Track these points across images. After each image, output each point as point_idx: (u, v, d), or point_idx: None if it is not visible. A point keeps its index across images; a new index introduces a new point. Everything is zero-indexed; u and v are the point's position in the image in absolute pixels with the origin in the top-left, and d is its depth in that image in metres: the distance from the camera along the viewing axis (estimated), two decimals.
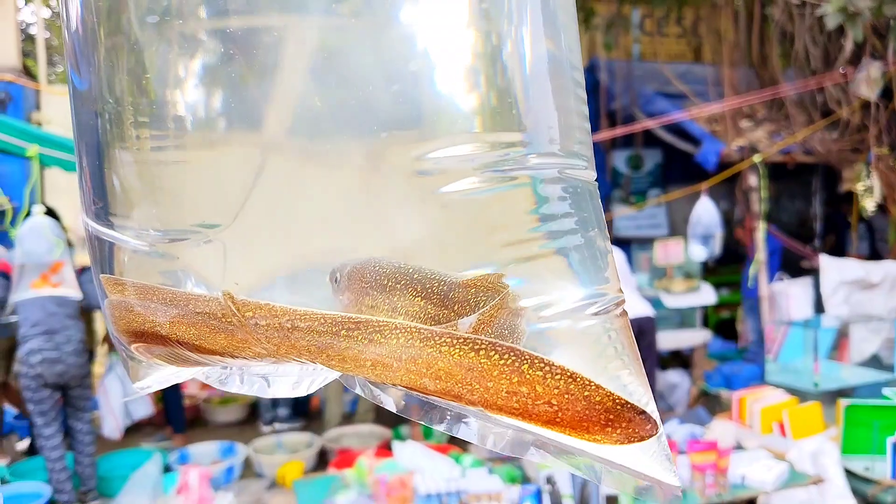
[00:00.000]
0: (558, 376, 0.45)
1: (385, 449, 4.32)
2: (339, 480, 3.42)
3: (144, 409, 5.18)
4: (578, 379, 0.45)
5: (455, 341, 0.47)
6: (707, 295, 5.99)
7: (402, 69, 0.50)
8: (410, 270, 0.50)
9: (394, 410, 0.56)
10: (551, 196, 0.52)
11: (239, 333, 0.53)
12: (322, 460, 4.74)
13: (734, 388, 5.01)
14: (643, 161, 7.85)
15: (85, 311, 4.00)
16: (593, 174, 0.57)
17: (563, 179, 0.53)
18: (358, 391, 0.57)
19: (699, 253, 5.78)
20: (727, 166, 5.77)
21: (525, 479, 3.27)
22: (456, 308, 0.49)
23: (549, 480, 3.06)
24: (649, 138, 7.17)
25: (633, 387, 0.50)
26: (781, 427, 3.96)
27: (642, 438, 0.45)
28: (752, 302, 6.09)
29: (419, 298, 0.50)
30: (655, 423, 0.46)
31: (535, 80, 0.52)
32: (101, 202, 0.59)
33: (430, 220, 0.50)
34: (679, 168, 7.36)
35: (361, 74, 0.50)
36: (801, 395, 4.36)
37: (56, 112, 6.46)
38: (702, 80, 6.90)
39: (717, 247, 5.75)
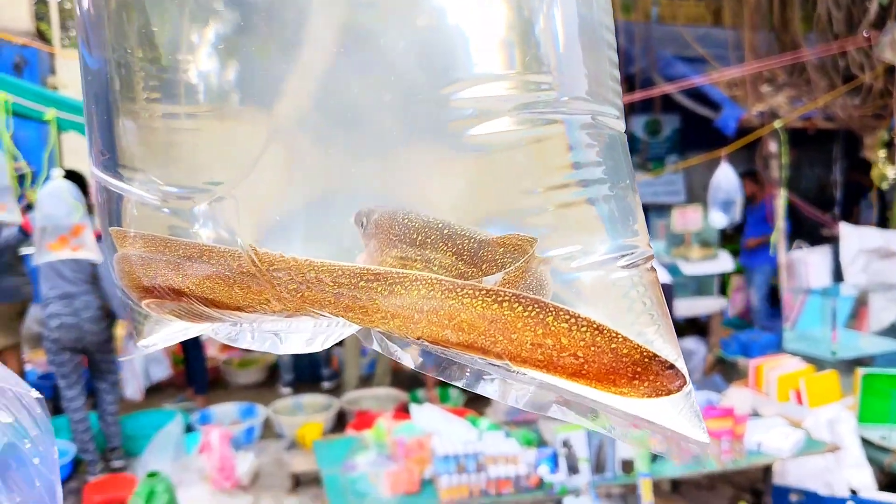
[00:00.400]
0: (584, 328, 0.45)
1: (402, 411, 4.36)
2: (359, 441, 3.46)
3: (162, 372, 5.27)
4: (605, 331, 0.45)
5: (478, 293, 0.46)
6: (724, 262, 5.97)
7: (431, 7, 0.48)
8: (440, 225, 0.49)
9: (412, 367, 0.55)
10: (584, 143, 0.51)
11: (255, 286, 0.52)
12: (340, 422, 4.80)
13: (751, 356, 4.99)
14: (661, 126, 7.74)
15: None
16: (624, 125, 0.55)
17: (596, 126, 0.52)
18: (375, 347, 0.56)
19: (720, 220, 5.72)
20: (747, 132, 5.68)
21: (541, 443, 3.29)
22: (484, 267, 0.48)
23: (566, 444, 3.08)
24: (667, 103, 7.06)
25: (659, 343, 0.49)
26: (798, 395, 3.94)
27: (670, 392, 0.45)
28: (752, 271, 6.02)
29: (450, 254, 0.49)
30: (684, 377, 0.46)
31: (566, 19, 0.50)
32: (108, 153, 0.58)
33: (460, 163, 0.49)
34: (698, 134, 7.23)
35: (388, 20, 0.48)
36: (819, 364, 4.34)
37: (71, 76, 6.46)
38: (722, 44, 6.73)
39: (737, 213, 5.69)
